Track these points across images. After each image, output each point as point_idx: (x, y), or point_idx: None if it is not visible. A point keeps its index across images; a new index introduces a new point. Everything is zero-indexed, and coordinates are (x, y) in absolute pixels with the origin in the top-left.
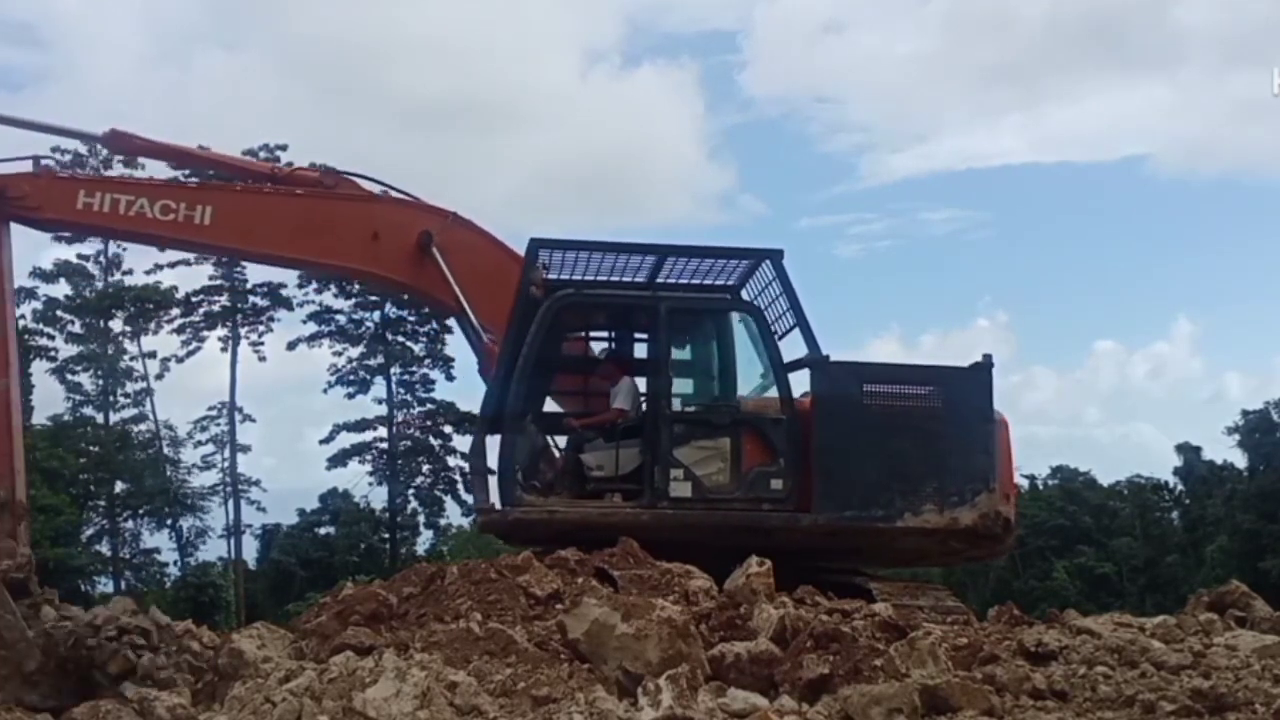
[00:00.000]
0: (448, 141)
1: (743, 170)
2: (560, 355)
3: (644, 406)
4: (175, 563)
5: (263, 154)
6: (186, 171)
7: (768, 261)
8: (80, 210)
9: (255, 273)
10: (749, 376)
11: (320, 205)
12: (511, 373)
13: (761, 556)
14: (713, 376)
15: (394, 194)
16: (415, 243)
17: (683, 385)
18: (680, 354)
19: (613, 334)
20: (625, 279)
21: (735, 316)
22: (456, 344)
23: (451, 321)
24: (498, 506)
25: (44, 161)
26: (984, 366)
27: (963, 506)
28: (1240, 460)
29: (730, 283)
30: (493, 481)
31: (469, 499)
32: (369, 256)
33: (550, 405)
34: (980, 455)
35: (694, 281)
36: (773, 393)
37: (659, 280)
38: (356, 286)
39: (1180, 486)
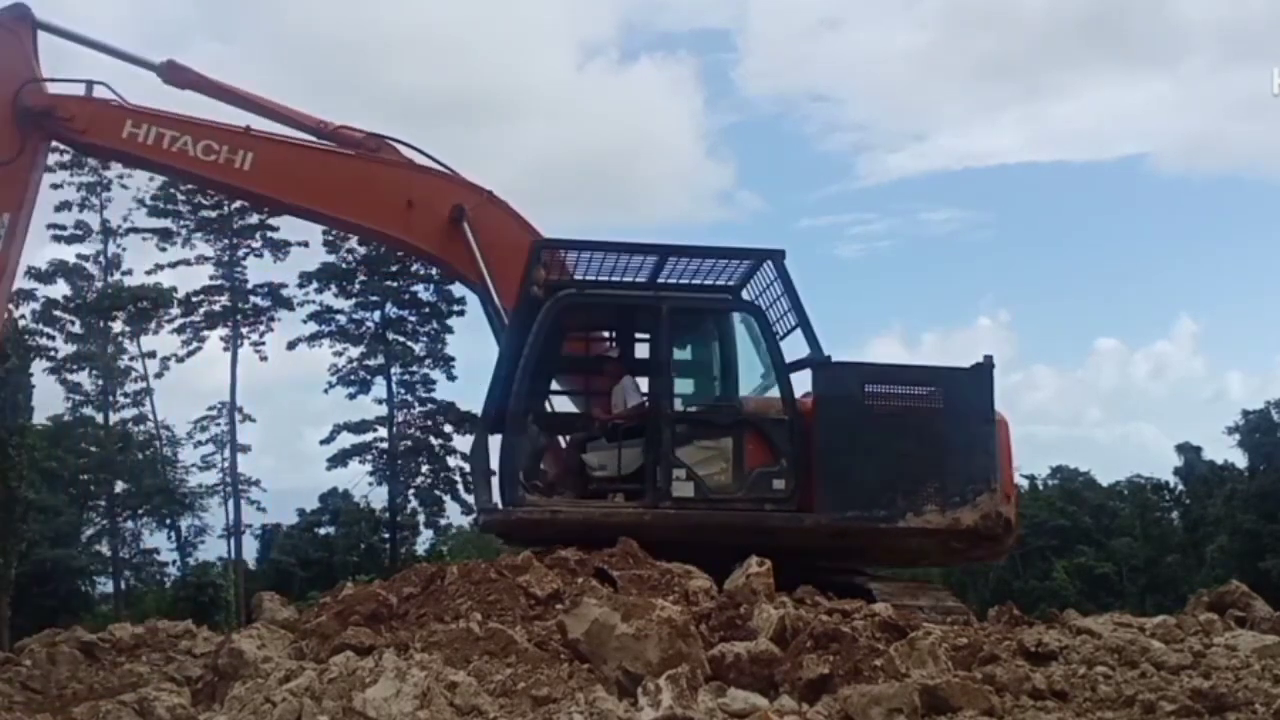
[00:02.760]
0: (442, 136)
1: (741, 167)
2: (563, 355)
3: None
4: (175, 563)
5: None
6: None
7: (769, 262)
8: (124, 139)
9: (256, 273)
10: (750, 377)
11: (360, 166)
12: (513, 372)
13: (763, 556)
14: (714, 376)
15: (434, 165)
16: (448, 215)
17: (685, 385)
18: (682, 354)
19: (613, 334)
20: (626, 279)
21: (737, 316)
22: (457, 344)
23: (452, 321)
24: (499, 506)
25: (96, 86)
26: (985, 367)
27: (964, 507)
28: (1241, 460)
29: (731, 282)
30: (495, 481)
31: (470, 499)
32: (401, 224)
33: (562, 404)
34: (981, 455)
35: (695, 281)
36: (774, 392)
37: (660, 280)
38: (357, 285)
39: (1180, 486)
